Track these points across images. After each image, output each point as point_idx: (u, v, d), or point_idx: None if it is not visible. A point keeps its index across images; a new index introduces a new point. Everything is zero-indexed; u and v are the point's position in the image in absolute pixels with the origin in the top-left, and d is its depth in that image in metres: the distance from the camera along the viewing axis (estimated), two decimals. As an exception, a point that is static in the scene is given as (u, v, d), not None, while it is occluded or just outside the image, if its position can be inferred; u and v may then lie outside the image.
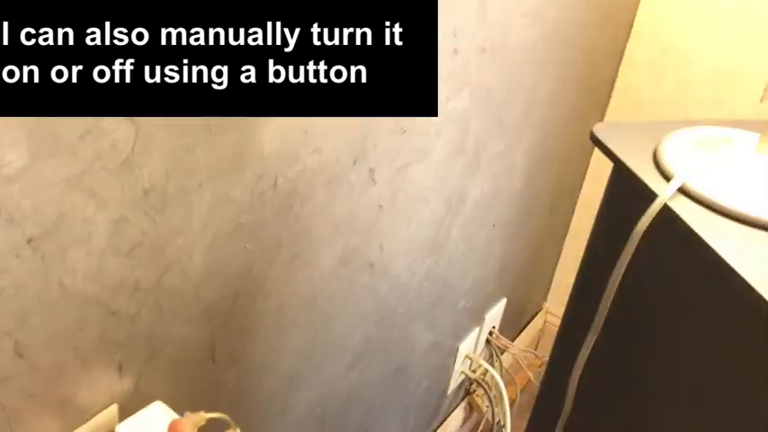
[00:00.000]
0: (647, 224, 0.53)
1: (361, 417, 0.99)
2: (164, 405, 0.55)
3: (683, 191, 0.54)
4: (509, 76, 0.93)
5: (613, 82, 1.39)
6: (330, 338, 0.80)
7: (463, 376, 1.29)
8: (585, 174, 1.50)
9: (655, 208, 0.53)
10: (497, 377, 1.27)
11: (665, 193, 0.53)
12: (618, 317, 0.60)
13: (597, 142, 0.61)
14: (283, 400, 0.76)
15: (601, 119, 1.43)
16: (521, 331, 1.58)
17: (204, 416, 0.58)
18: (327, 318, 0.77)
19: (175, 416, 0.56)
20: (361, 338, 0.87)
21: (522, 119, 1.04)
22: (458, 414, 1.38)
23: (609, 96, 1.41)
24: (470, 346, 1.27)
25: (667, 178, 0.56)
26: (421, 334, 1.06)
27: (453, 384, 1.28)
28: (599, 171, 1.45)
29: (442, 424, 1.33)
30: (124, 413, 0.53)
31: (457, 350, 1.23)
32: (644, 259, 0.56)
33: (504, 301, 1.34)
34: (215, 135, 0.50)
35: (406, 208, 0.83)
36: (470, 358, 1.28)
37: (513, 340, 1.52)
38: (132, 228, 0.47)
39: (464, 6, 0.75)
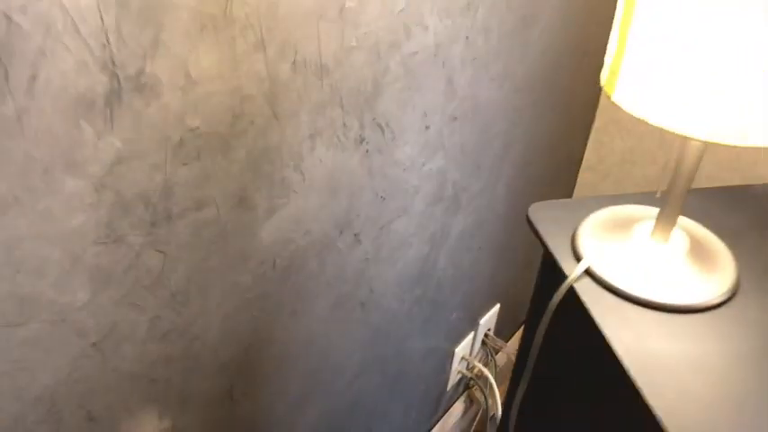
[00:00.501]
0: (557, 302, 0.68)
1: (364, 420, 1.17)
2: (194, 439, 0.73)
3: (589, 272, 0.69)
4: (482, 130, 1.07)
5: (596, 104, 1.52)
6: (329, 365, 0.97)
7: (460, 375, 1.46)
8: (577, 174, 1.63)
9: (563, 289, 0.68)
10: (490, 377, 1.43)
11: (572, 276, 0.68)
12: (545, 375, 0.76)
13: (530, 223, 0.76)
14: (291, 421, 0.94)
15: (586, 136, 1.56)
16: (519, 327, 1.74)
17: (225, 444, 0.76)
18: (325, 351, 0.94)
19: (203, 446, 0.73)
20: (358, 360, 1.04)
21: (500, 159, 1.18)
22: (458, 406, 1.55)
23: (593, 115, 1.54)
24: (466, 348, 1.43)
25: (579, 260, 0.70)
26: (416, 346, 1.22)
27: (452, 383, 1.45)
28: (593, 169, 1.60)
29: (443, 416, 1.50)
30: (164, 448, 0.71)
31: (453, 354, 1.39)
32: (561, 329, 0.71)
33: (497, 307, 1.50)
34: (224, 246, 0.66)
35: (391, 255, 0.99)
36: (466, 359, 1.44)
37: (510, 337, 1.68)
38: (164, 321, 0.64)
39: (432, 90, 0.89)
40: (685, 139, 0.63)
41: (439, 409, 1.48)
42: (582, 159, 1.59)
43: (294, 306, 0.82)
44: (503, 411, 0.90)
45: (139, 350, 0.63)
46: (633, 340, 0.63)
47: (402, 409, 1.30)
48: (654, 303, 0.67)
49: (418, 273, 1.09)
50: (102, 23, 0.46)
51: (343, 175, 0.79)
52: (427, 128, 0.92)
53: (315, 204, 0.77)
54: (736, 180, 1.34)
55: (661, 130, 1.44)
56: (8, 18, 0.41)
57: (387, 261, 0.98)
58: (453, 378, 1.44)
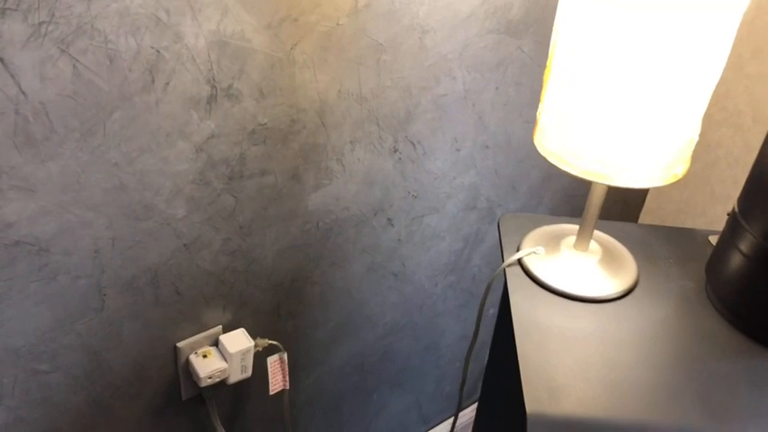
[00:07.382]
0: (491, 280, 0.96)
1: (396, 372, 1.47)
2: (245, 331, 1.09)
3: (522, 266, 0.96)
4: (518, 160, 1.34)
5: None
6: (363, 316, 1.30)
7: (497, 366, 1.71)
8: (638, 216, 1.82)
9: (499, 271, 0.95)
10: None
11: (506, 262, 0.96)
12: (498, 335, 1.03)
13: (498, 227, 1.04)
14: (327, 348, 1.28)
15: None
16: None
17: (266, 341, 1.11)
18: (359, 303, 1.27)
19: (250, 339, 1.09)
20: (390, 320, 1.36)
21: (539, 187, 1.44)
22: (495, 394, 1.80)
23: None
24: (505, 344, 1.69)
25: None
26: (449, 326, 1.51)
27: (489, 370, 1.71)
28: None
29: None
30: (224, 331, 1.07)
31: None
32: (504, 303, 0.99)
33: (541, 316, 1.73)
34: (279, 203, 1.01)
35: (423, 242, 1.29)
36: (503, 353, 1.69)
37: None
38: (233, 242, 1.00)
39: (462, 123, 1.19)
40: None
41: (477, 390, 1.74)
42: (644, 203, 1.78)
43: (333, 259, 1.16)
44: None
45: (214, 257, 0.99)
46: (530, 312, 0.90)
47: (435, 378, 1.59)
48: (560, 291, 0.92)
49: (452, 263, 1.38)
50: (209, 57, 0.83)
51: (378, 174, 1.12)
52: (458, 150, 1.22)
53: (353, 190, 1.10)
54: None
55: (712, 186, 1.61)
56: (158, 51, 0.79)
57: (419, 246, 1.29)
58: (490, 367, 1.70)
